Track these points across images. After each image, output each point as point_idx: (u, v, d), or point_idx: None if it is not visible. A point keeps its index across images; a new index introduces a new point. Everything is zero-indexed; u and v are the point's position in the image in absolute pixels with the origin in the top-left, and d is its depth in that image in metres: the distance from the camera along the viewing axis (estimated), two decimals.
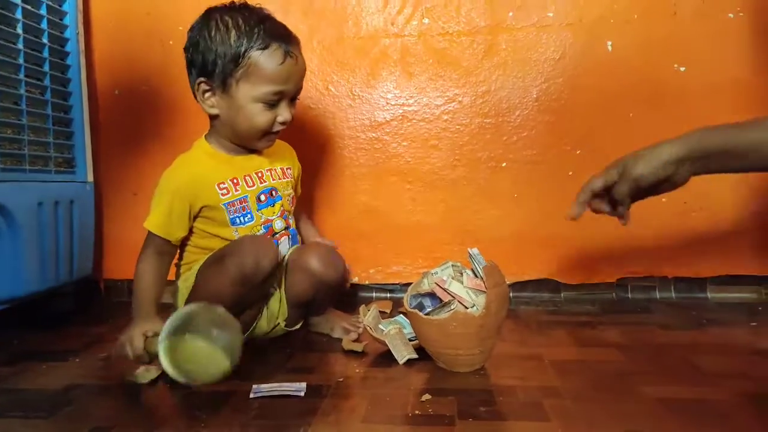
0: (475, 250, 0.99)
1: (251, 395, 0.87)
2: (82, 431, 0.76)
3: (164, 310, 1.04)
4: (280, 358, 1.07)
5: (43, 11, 1.34)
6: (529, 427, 0.75)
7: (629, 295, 1.52)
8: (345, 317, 1.26)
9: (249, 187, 1.15)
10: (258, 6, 1.13)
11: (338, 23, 1.55)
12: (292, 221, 1.24)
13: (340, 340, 1.15)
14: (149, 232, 1.10)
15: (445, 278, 1.00)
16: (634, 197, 0.99)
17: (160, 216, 1.09)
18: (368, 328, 1.08)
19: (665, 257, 1.51)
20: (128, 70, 1.61)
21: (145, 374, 0.95)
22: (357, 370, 0.99)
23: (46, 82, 1.36)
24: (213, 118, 1.14)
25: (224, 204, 1.12)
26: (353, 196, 1.58)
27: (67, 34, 1.43)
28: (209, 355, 0.88)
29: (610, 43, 1.49)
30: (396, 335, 1.04)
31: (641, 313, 1.37)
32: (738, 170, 0.97)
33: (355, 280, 1.57)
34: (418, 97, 1.55)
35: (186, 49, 1.13)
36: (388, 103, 1.56)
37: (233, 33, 1.07)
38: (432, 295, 1.02)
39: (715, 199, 1.48)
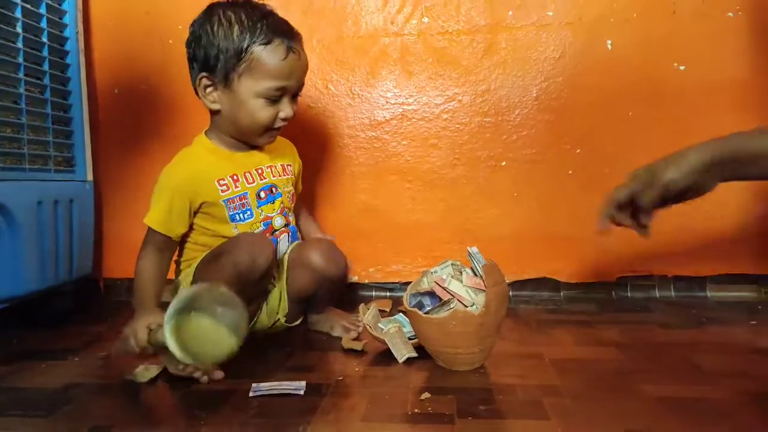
0: (474, 249, 0.99)
1: (251, 394, 0.86)
2: (81, 430, 0.76)
3: (165, 307, 1.03)
4: (279, 357, 1.07)
5: (42, 10, 1.34)
6: (528, 425, 0.75)
7: (629, 294, 1.52)
8: (345, 316, 1.26)
9: (249, 183, 1.15)
10: (260, 2, 1.13)
11: (338, 22, 1.55)
12: (292, 218, 1.24)
13: (339, 338, 1.15)
14: (149, 229, 1.09)
15: (444, 277, 1.00)
16: (661, 205, 0.97)
17: (160, 212, 1.09)
18: (368, 326, 1.08)
19: (665, 256, 1.51)
20: (128, 69, 1.61)
21: (144, 373, 0.95)
22: (356, 369, 0.99)
23: (46, 81, 1.35)
24: (214, 113, 1.14)
25: (224, 201, 1.12)
26: (353, 195, 1.58)
27: (67, 33, 1.43)
28: (215, 333, 0.87)
29: (609, 42, 1.49)
30: (395, 334, 1.04)
31: (641, 312, 1.37)
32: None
33: (355, 279, 1.57)
34: (417, 96, 1.55)
35: (188, 44, 1.13)
36: (387, 102, 1.56)
37: (236, 28, 1.07)
38: (431, 293, 1.02)
39: (715, 197, 1.46)
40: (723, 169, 0.93)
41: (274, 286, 1.17)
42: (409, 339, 1.05)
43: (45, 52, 1.35)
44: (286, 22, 1.13)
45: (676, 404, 0.80)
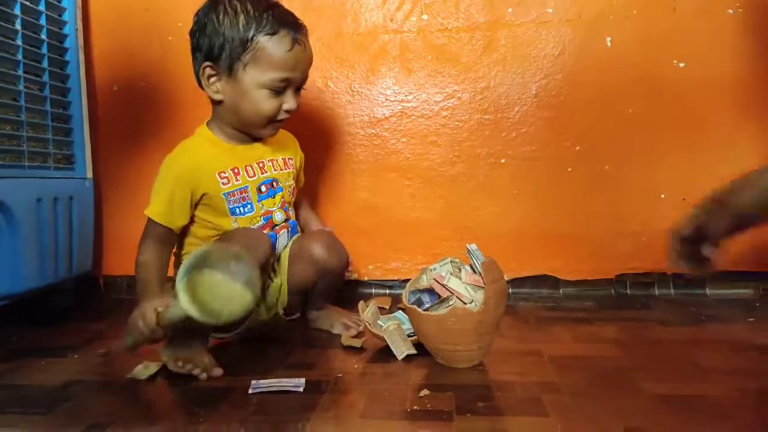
0: (473, 246, 0.99)
1: (250, 391, 0.87)
2: (80, 427, 0.76)
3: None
4: (279, 354, 1.07)
5: (41, 7, 1.34)
6: (527, 422, 0.75)
7: (628, 292, 1.52)
8: (345, 314, 1.26)
9: (250, 177, 1.15)
10: None
11: (337, 19, 1.55)
12: (292, 213, 1.24)
13: (339, 336, 1.16)
14: (150, 220, 1.08)
15: (443, 274, 1.00)
16: (731, 234, 0.91)
17: (161, 204, 1.08)
18: (367, 324, 1.08)
19: (664, 253, 1.50)
20: (127, 66, 1.60)
21: (143, 371, 0.95)
22: (356, 366, 0.99)
23: (45, 78, 1.35)
24: (217, 104, 1.14)
25: (224, 194, 1.11)
26: (352, 192, 1.58)
27: (66, 30, 1.43)
28: (230, 289, 0.87)
29: (609, 38, 1.48)
30: (395, 331, 1.04)
31: (640, 309, 1.37)
32: None
33: (354, 276, 1.57)
34: (417, 93, 1.55)
35: (192, 33, 1.12)
36: (387, 99, 1.56)
37: (242, 17, 1.06)
38: (430, 291, 1.02)
39: None
40: None
41: (273, 281, 1.17)
42: (409, 336, 1.05)
43: (44, 49, 1.35)
44: (291, 14, 1.12)
45: (675, 401, 0.80)
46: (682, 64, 1.47)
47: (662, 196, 1.50)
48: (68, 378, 0.96)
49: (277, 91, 1.10)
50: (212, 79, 1.11)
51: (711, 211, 0.88)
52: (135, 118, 1.61)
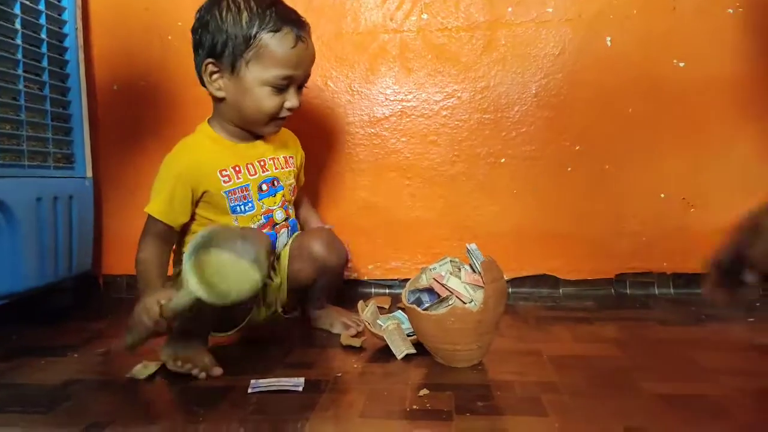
0: (473, 246, 0.99)
1: (249, 390, 0.87)
2: (80, 426, 0.76)
3: None
4: (278, 353, 1.07)
5: (41, 6, 1.34)
6: (526, 422, 0.75)
7: (628, 291, 1.52)
8: (345, 313, 1.25)
9: (251, 175, 1.14)
10: None
11: (337, 18, 1.55)
12: (292, 212, 1.24)
13: (338, 335, 1.15)
14: (150, 218, 1.08)
15: (443, 274, 1.00)
16: None
17: (162, 201, 1.07)
18: (366, 323, 1.08)
19: (664, 253, 1.51)
20: (127, 65, 1.60)
21: (142, 370, 0.95)
22: (355, 366, 0.99)
23: (45, 77, 1.35)
24: (219, 101, 1.13)
25: (225, 192, 1.11)
26: (352, 192, 1.58)
27: (66, 29, 1.43)
28: (237, 268, 0.87)
29: (609, 38, 1.48)
30: (394, 331, 1.04)
31: (640, 309, 1.37)
32: None
33: (354, 275, 1.57)
34: (417, 92, 1.55)
35: (194, 30, 1.12)
36: (387, 99, 1.56)
37: (245, 14, 1.06)
38: (430, 290, 1.02)
39: (714, 194, 1.48)
40: None
41: (273, 281, 1.17)
42: (408, 336, 1.05)
43: (44, 49, 1.35)
44: (294, 11, 1.12)
45: (675, 401, 0.80)
46: (682, 64, 1.47)
47: (662, 195, 1.50)
48: (68, 377, 0.96)
49: (280, 88, 1.10)
50: (214, 76, 1.11)
51: (749, 234, 0.81)
52: (135, 118, 1.61)
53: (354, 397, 0.84)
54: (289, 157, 1.23)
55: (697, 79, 1.46)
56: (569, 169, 1.51)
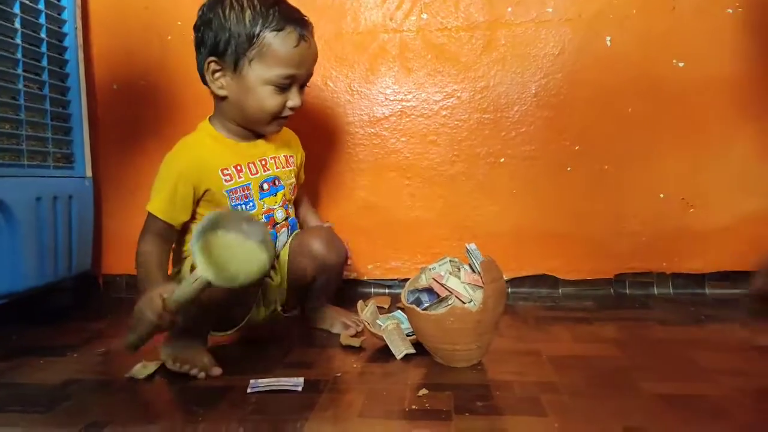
0: (472, 246, 0.99)
1: (248, 390, 0.87)
2: (79, 426, 0.76)
3: None
4: (277, 353, 1.07)
5: (41, 6, 1.34)
6: (526, 422, 0.75)
7: (627, 291, 1.52)
8: (345, 313, 1.26)
9: (252, 174, 1.14)
10: None
11: (337, 18, 1.55)
12: (291, 211, 1.23)
13: (338, 335, 1.16)
14: (150, 216, 1.07)
15: (442, 273, 1.00)
16: None
17: (163, 200, 1.07)
18: (366, 323, 1.08)
19: (663, 253, 1.51)
20: (126, 64, 1.60)
21: (142, 370, 0.95)
22: (354, 365, 0.99)
23: (45, 77, 1.35)
24: (220, 99, 1.13)
25: (227, 191, 1.11)
26: (352, 191, 1.58)
27: (66, 28, 1.43)
28: (246, 249, 0.86)
29: (609, 38, 1.48)
30: (394, 330, 1.04)
31: (639, 309, 1.37)
32: None
33: (354, 275, 1.57)
34: (416, 92, 1.55)
35: (196, 28, 1.11)
36: (386, 99, 1.56)
37: (248, 13, 1.06)
38: (429, 290, 1.02)
39: (713, 194, 1.48)
40: None
41: (272, 280, 1.17)
42: (407, 336, 1.05)
43: (44, 48, 1.35)
44: (297, 10, 1.12)
45: (674, 401, 0.80)
46: (681, 64, 1.47)
47: (661, 195, 1.50)
48: (67, 377, 0.96)
49: (282, 87, 1.10)
50: (217, 75, 1.10)
51: None
52: (134, 117, 1.61)
53: (353, 397, 0.84)
54: (290, 156, 1.23)
55: (697, 79, 1.46)
56: (569, 169, 1.51)
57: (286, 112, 1.13)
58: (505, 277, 1.00)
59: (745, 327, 1.20)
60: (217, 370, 0.94)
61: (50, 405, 0.84)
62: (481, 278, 0.94)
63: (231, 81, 1.10)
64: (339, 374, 0.95)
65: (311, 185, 1.53)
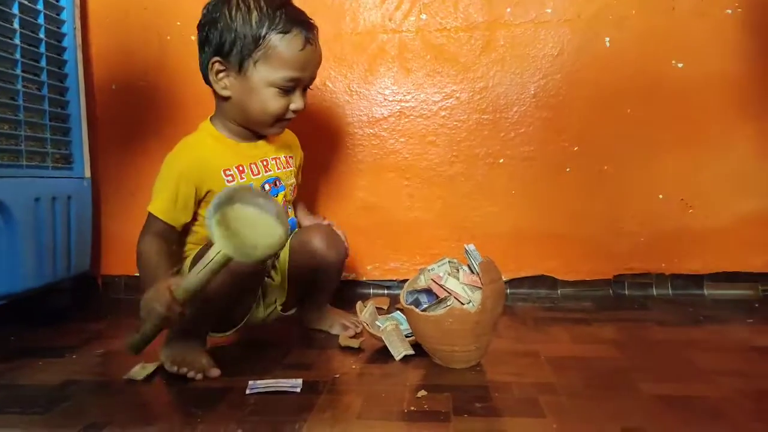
0: (471, 246, 0.99)
1: (247, 391, 0.87)
2: (78, 427, 0.76)
3: None
4: (276, 355, 1.07)
5: (40, 6, 1.34)
6: (524, 423, 0.75)
7: (626, 292, 1.52)
8: (344, 315, 1.26)
9: (254, 175, 1.14)
10: None
11: (336, 19, 1.55)
12: (291, 212, 1.23)
13: (337, 336, 1.16)
14: (151, 216, 1.06)
15: (441, 274, 1.00)
16: None
17: (165, 201, 1.06)
18: (365, 324, 1.08)
19: (662, 254, 1.51)
20: (126, 64, 1.60)
21: (140, 371, 0.95)
22: (353, 367, 0.99)
23: (43, 77, 1.35)
24: (223, 99, 1.12)
25: None
26: (351, 192, 1.58)
27: (64, 29, 1.43)
28: (263, 222, 0.85)
29: (608, 38, 1.48)
30: (392, 331, 1.04)
31: (638, 310, 1.37)
32: None
33: (352, 276, 1.57)
34: (415, 93, 1.55)
35: (201, 27, 1.10)
36: (385, 99, 1.56)
37: (255, 14, 1.05)
38: (428, 291, 1.02)
39: (712, 195, 1.48)
40: None
41: (273, 280, 1.17)
42: (406, 337, 1.05)
43: (42, 48, 1.35)
44: (303, 13, 1.11)
45: (673, 402, 0.80)
46: (680, 64, 1.47)
47: (660, 196, 1.50)
48: (66, 378, 0.96)
49: (286, 90, 1.09)
50: (220, 75, 1.10)
51: None
52: (133, 117, 1.61)
53: (352, 399, 0.84)
54: (290, 157, 1.23)
55: (696, 79, 1.46)
56: (568, 169, 1.51)
57: (289, 115, 1.12)
58: (504, 278, 1.00)
59: (744, 328, 1.21)
60: (215, 372, 0.94)
61: (49, 406, 0.84)
62: (480, 279, 0.94)
63: (235, 81, 1.09)
64: (338, 375, 0.95)
65: (310, 186, 1.53)
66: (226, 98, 1.11)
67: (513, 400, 0.82)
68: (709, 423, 0.74)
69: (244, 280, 1.01)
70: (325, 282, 1.21)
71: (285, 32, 1.06)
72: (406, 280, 1.07)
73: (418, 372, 0.96)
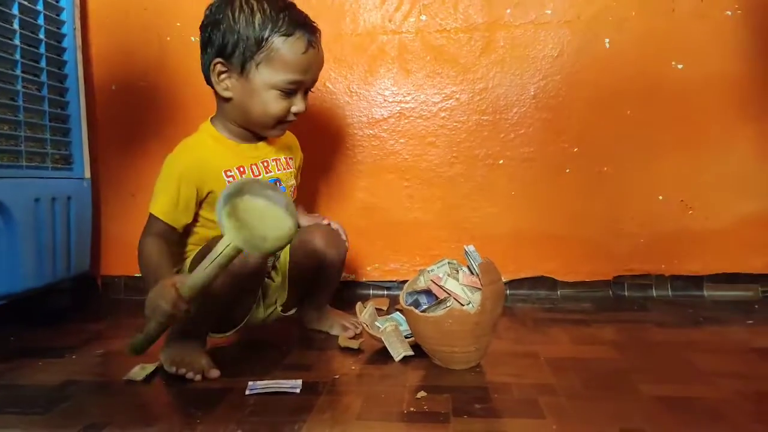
0: (471, 247, 0.99)
1: (247, 392, 0.87)
2: (78, 427, 0.76)
3: None
4: (276, 355, 1.07)
5: (40, 7, 1.34)
6: (523, 424, 0.75)
7: (626, 293, 1.52)
8: (344, 315, 1.26)
9: (255, 176, 1.13)
10: None
11: (336, 20, 1.55)
12: None
13: (336, 337, 1.16)
14: (152, 217, 1.06)
15: (441, 275, 1.00)
16: None
17: (165, 202, 1.06)
18: (365, 325, 1.08)
19: (662, 255, 1.51)
20: (125, 65, 1.60)
21: (140, 372, 0.95)
22: (353, 368, 0.99)
23: (43, 78, 1.35)
24: (224, 101, 1.12)
25: None
26: (351, 193, 1.58)
27: (64, 29, 1.43)
28: (273, 214, 0.85)
29: (608, 40, 1.49)
30: (392, 332, 1.04)
31: (638, 311, 1.37)
32: None
33: (352, 277, 1.57)
34: (415, 94, 1.55)
35: (203, 28, 1.10)
36: (385, 100, 1.56)
37: (258, 16, 1.05)
38: (428, 292, 1.02)
39: (712, 196, 1.48)
40: None
41: (273, 281, 1.17)
42: (406, 338, 1.05)
43: (42, 49, 1.35)
44: (306, 16, 1.11)
45: (672, 403, 0.80)
46: (680, 66, 1.47)
47: (660, 197, 1.50)
48: (66, 378, 0.96)
49: (288, 92, 1.09)
50: (222, 76, 1.09)
51: None
52: (133, 118, 1.61)
53: (351, 400, 0.84)
54: (290, 158, 1.23)
55: (696, 80, 1.46)
56: (567, 170, 1.51)
57: (290, 117, 1.12)
58: (504, 279, 1.00)
59: (744, 329, 1.21)
60: (214, 373, 0.94)
61: (49, 406, 0.84)
62: (480, 280, 0.94)
63: (236, 83, 1.09)
64: (337, 376, 0.95)
65: (310, 186, 1.54)
66: (228, 99, 1.11)
67: (512, 401, 0.82)
68: (709, 424, 0.74)
69: (244, 280, 1.01)
70: (326, 282, 1.21)
71: (288, 35, 1.06)
72: (406, 281, 1.07)
73: (417, 373, 0.96)
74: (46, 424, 0.79)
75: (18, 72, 1.27)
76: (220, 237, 0.84)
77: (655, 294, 1.51)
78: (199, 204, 1.10)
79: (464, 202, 1.55)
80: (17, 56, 1.27)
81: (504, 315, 1.02)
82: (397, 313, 1.18)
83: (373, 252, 1.58)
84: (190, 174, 1.07)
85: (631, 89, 1.48)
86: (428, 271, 1.03)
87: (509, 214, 1.54)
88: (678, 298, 1.48)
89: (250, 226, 0.82)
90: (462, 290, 0.98)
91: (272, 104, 1.09)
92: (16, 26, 1.26)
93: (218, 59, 1.08)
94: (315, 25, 1.11)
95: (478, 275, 0.95)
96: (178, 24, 1.56)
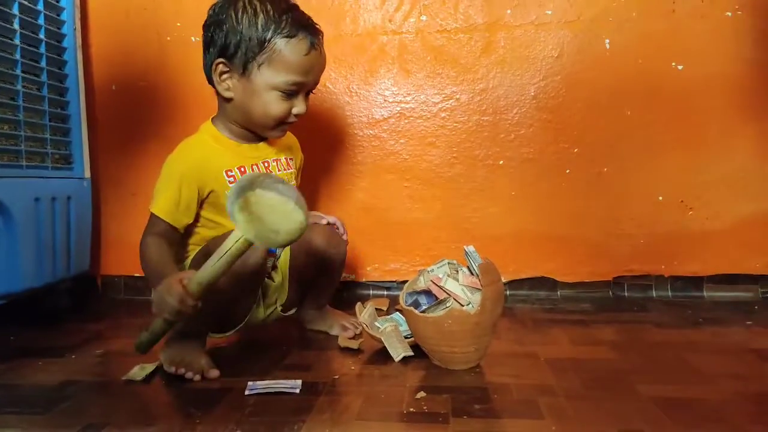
0: (471, 248, 0.99)
1: (246, 392, 0.87)
2: (77, 427, 0.76)
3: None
4: (276, 355, 1.07)
5: (40, 6, 1.34)
6: (523, 424, 0.75)
7: (626, 294, 1.52)
8: (344, 316, 1.26)
9: None
10: None
11: (336, 20, 1.55)
12: None
13: (336, 337, 1.16)
14: (153, 217, 1.06)
15: (441, 276, 1.00)
16: None
17: (167, 202, 1.05)
18: (364, 325, 1.08)
19: (662, 256, 1.51)
20: (125, 65, 1.60)
21: (139, 372, 0.95)
22: (353, 368, 0.99)
23: (43, 77, 1.35)
24: (225, 101, 1.12)
25: None
26: (351, 193, 1.58)
27: (64, 29, 1.43)
28: (285, 207, 0.84)
29: (608, 40, 1.49)
30: (392, 333, 1.04)
31: (637, 312, 1.37)
32: None
33: (352, 277, 1.57)
34: (415, 94, 1.55)
35: (206, 27, 1.10)
36: (385, 101, 1.56)
37: (261, 17, 1.05)
38: (428, 292, 1.02)
39: (712, 197, 1.48)
40: None
41: (273, 281, 1.17)
42: (406, 338, 1.05)
43: (42, 49, 1.35)
44: (309, 17, 1.11)
45: (671, 404, 0.80)
46: (680, 67, 1.47)
47: (660, 198, 1.50)
48: (65, 378, 0.96)
49: (289, 93, 1.09)
50: (224, 76, 1.09)
51: None
52: (133, 118, 1.61)
53: (351, 400, 0.84)
54: (290, 159, 1.23)
55: (696, 81, 1.46)
56: (567, 171, 1.52)
57: (291, 118, 1.12)
58: (504, 280, 1.00)
59: (744, 330, 1.21)
60: (214, 373, 0.94)
61: (48, 406, 0.84)
62: (480, 280, 0.94)
63: (238, 84, 1.09)
64: (337, 376, 0.95)
65: (310, 187, 1.54)
66: (229, 100, 1.11)
67: (512, 402, 0.82)
68: (708, 425, 0.74)
69: (244, 280, 1.01)
70: (326, 281, 1.22)
71: (290, 36, 1.06)
72: (406, 281, 1.07)
73: (417, 373, 0.96)
74: (46, 424, 0.79)
75: (18, 72, 1.27)
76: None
77: (654, 295, 1.51)
78: (200, 204, 1.10)
79: (464, 203, 1.55)
80: (17, 56, 1.27)
81: (504, 315, 1.02)
82: (397, 313, 1.18)
83: (373, 252, 1.58)
84: (192, 174, 1.07)
85: (632, 90, 1.48)
86: (428, 272, 1.03)
87: (509, 214, 1.54)
88: (678, 299, 1.48)
89: (261, 220, 0.82)
90: (462, 291, 0.98)
91: (273, 105, 1.09)
92: (16, 26, 1.26)
93: (220, 59, 1.08)
94: (318, 27, 1.11)
95: (478, 276, 0.95)
96: (178, 24, 1.56)
